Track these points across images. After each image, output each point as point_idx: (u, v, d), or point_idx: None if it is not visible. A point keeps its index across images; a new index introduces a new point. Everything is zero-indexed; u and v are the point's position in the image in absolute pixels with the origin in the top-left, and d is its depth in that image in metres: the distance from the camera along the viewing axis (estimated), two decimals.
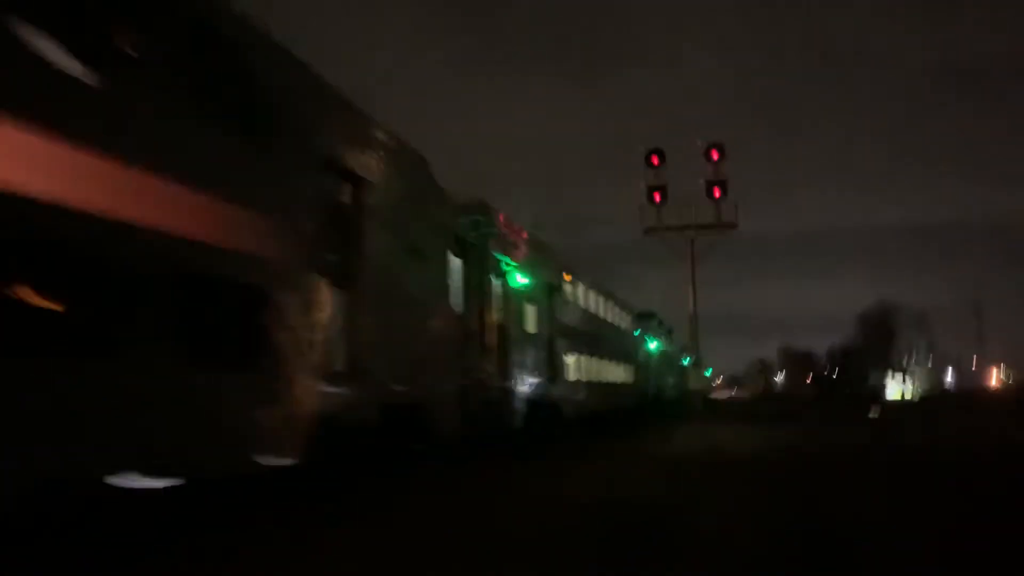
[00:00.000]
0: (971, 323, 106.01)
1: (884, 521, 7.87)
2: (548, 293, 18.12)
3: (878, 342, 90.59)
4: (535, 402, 16.12)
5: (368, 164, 9.59)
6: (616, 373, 29.05)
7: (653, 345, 42.86)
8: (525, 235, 16.48)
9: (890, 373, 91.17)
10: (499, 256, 14.58)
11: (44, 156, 5.26)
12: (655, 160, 36.50)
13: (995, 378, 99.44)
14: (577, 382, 21.33)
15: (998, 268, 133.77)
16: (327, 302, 8.50)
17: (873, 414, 36.14)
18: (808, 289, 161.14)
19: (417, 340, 10.76)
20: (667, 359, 53.20)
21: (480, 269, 13.67)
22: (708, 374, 71.81)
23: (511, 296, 15.26)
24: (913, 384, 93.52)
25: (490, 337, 13.90)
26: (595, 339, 24.57)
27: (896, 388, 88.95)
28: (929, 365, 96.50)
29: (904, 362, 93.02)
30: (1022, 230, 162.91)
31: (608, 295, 28.94)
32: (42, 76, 5.33)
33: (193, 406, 6.44)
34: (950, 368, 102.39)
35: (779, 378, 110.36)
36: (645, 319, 39.55)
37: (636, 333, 37.56)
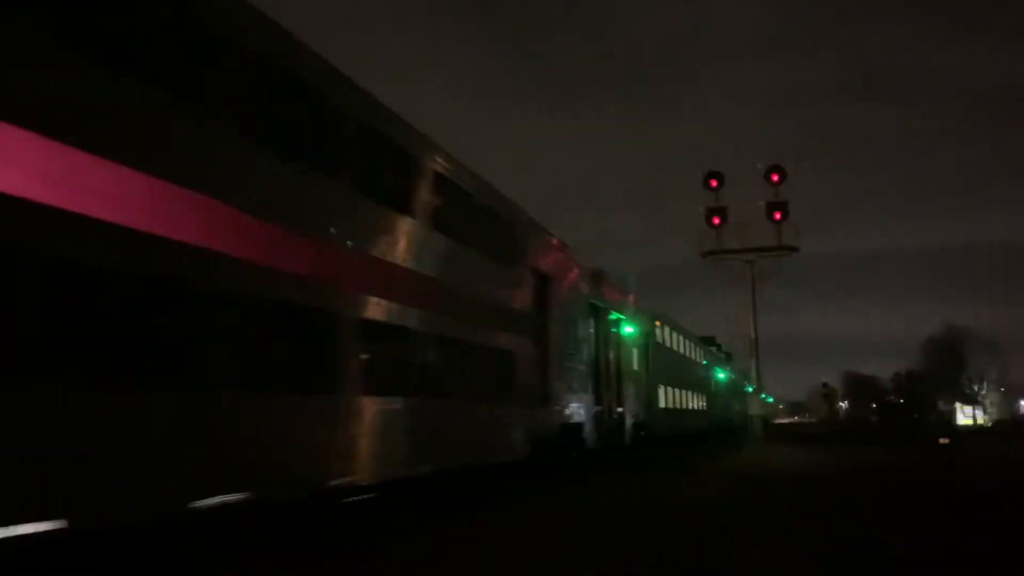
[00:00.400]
0: None
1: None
2: (645, 338, 23.02)
3: (946, 368, 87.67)
4: (637, 425, 20.41)
5: (551, 265, 14.84)
6: (691, 400, 33.72)
7: (720, 374, 42.60)
8: (630, 296, 21.06)
9: (959, 400, 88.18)
10: (613, 314, 18.63)
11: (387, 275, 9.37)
12: (713, 183, 36.19)
13: None
14: (665, 409, 26.81)
15: None
16: (534, 358, 13.63)
17: (943, 441, 35.00)
18: (870, 313, 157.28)
19: (575, 379, 15.62)
20: (731, 386, 52.52)
21: (604, 326, 17.85)
22: (770, 400, 70.49)
23: (622, 344, 19.55)
24: (984, 412, 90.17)
25: (610, 376, 18.06)
26: (677, 372, 30.05)
27: (966, 416, 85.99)
28: (1002, 390, 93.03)
29: (974, 389, 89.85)
30: None
31: (684, 332, 33.68)
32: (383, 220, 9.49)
33: (495, 425, 12.29)
34: (1022, 400, 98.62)
35: (843, 404, 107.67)
36: (707, 346, 39.67)
37: (704, 363, 38.67)
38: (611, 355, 18.14)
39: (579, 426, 15.53)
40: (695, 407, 34.47)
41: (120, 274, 5.67)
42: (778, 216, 35.53)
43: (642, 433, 20.79)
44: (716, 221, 36.25)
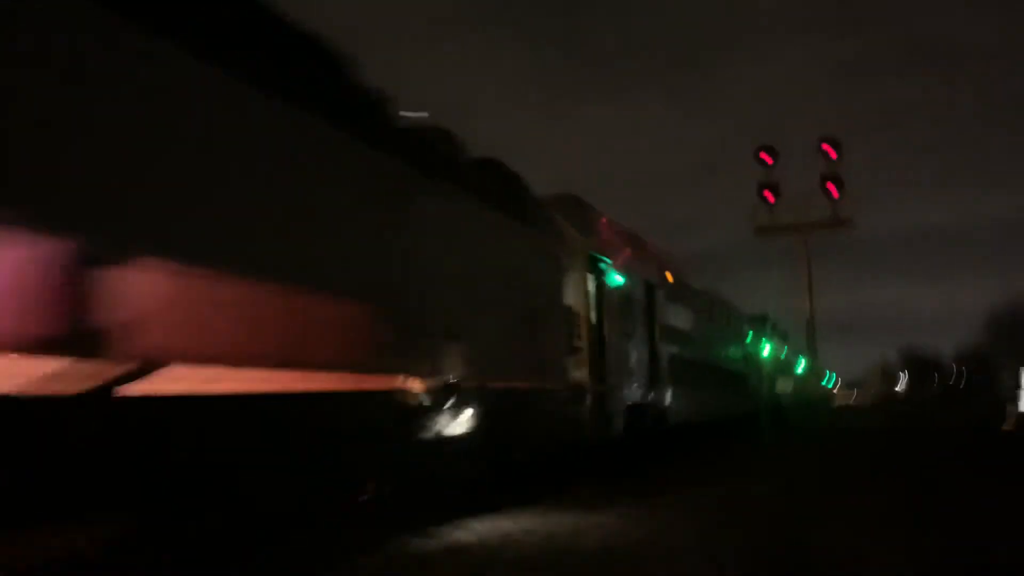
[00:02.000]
0: None
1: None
2: (695, 329, 21.42)
3: (1011, 343, 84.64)
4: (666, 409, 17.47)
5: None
6: (727, 380, 26.74)
7: (767, 350, 40.80)
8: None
9: None
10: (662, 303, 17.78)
11: None
12: (765, 157, 34.95)
13: None
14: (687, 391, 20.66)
15: None
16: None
17: (1007, 426, 33.45)
18: (929, 287, 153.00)
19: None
20: (783, 365, 50.76)
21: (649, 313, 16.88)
22: (831, 382, 68.53)
23: (664, 334, 17.55)
24: None
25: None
26: (705, 349, 23.28)
27: None
28: None
29: None
30: None
31: (716, 300, 26.79)
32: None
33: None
34: None
35: (902, 382, 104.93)
36: (758, 323, 37.78)
37: (748, 339, 35.70)
38: (659, 344, 17.36)
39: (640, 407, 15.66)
40: (732, 388, 27.41)
41: None
42: (832, 189, 34.21)
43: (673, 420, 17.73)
44: (769, 197, 35.05)
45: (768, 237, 36.27)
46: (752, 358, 35.69)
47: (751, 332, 35.35)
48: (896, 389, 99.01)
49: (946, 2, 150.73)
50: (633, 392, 15.08)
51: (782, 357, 55.59)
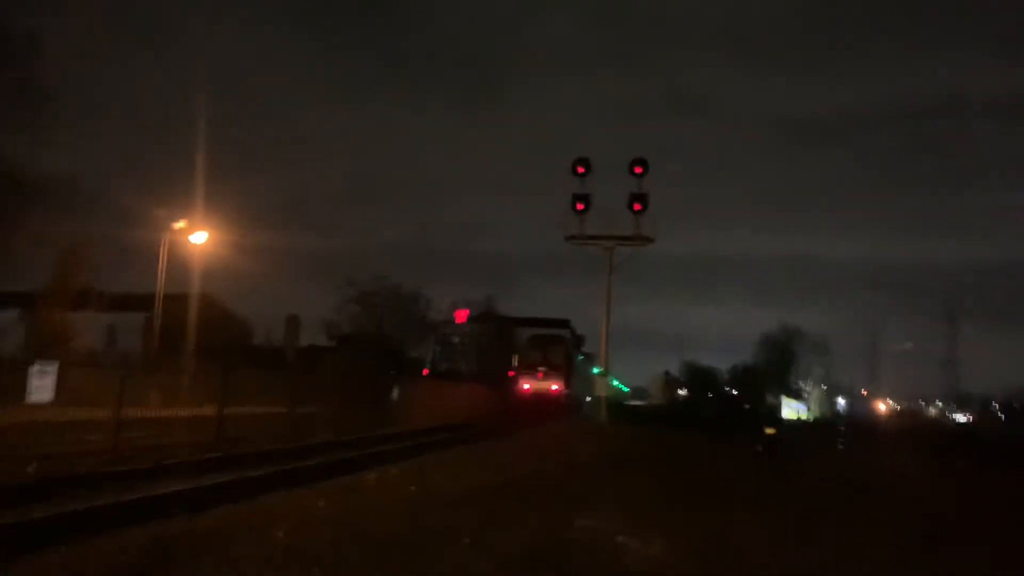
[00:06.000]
0: (864, 355, 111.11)
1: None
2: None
3: (778, 364, 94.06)
4: None
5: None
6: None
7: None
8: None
9: (787, 394, 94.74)
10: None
11: None
12: (580, 170, 37.34)
13: (884, 406, 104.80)
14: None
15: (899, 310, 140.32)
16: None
17: (769, 431, 37.64)
18: (715, 311, 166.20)
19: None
20: (580, 366, 54.47)
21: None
22: (615, 383, 73.42)
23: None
24: (809, 407, 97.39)
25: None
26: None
27: (792, 409, 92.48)
28: (824, 388, 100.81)
29: (800, 385, 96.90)
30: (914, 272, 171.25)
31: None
32: None
33: None
34: (840, 397, 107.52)
35: (682, 392, 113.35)
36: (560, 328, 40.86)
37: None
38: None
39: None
40: None
41: None
42: (637, 207, 37.09)
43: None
44: (580, 207, 37.44)
45: (576, 245, 38.61)
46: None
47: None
48: (677, 396, 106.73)
49: (700, 56, 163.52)
50: None
51: (579, 359, 59.28)
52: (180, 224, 38.98)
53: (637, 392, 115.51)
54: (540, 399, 46.49)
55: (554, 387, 48.58)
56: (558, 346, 51.73)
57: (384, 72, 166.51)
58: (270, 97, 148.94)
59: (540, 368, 49.43)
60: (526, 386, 48.80)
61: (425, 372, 49.23)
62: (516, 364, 51.63)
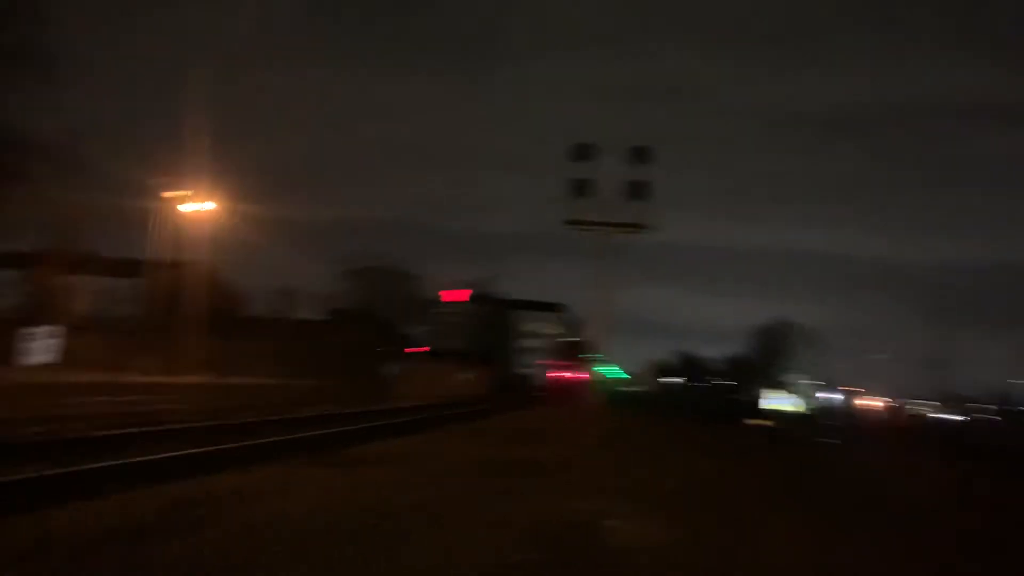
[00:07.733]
0: (857, 351, 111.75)
1: None
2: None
3: (771, 355, 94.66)
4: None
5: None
6: None
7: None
8: None
9: (775, 385, 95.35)
10: None
11: None
12: (581, 155, 37.40)
13: (868, 399, 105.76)
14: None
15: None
16: None
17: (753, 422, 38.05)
18: (713, 302, 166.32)
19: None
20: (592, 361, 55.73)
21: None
22: (616, 370, 74.25)
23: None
24: (796, 397, 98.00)
25: None
26: None
27: (780, 400, 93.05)
28: (809, 380, 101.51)
29: (790, 376, 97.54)
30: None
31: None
32: None
33: None
34: (829, 392, 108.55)
35: (671, 379, 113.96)
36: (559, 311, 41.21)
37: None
38: None
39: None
40: None
41: None
42: (638, 194, 37.23)
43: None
44: (579, 191, 37.57)
45: (576, 229, 38.75)
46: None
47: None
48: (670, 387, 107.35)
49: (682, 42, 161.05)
50: None
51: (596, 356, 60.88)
52: (173, 193, 38.87)
53: (637, 379, 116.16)
54: (566, 387, 52.72)
55: (577, 377, 55.77)
56: (578, 348, 57.92)
57: (384, 45, 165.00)
58: (272, 66, 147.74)
59: (565, 365, 58.34)
60: (557, 376, 59.10)
61: (422, 350, 49.52)
62: (547, 360, 62.95)
